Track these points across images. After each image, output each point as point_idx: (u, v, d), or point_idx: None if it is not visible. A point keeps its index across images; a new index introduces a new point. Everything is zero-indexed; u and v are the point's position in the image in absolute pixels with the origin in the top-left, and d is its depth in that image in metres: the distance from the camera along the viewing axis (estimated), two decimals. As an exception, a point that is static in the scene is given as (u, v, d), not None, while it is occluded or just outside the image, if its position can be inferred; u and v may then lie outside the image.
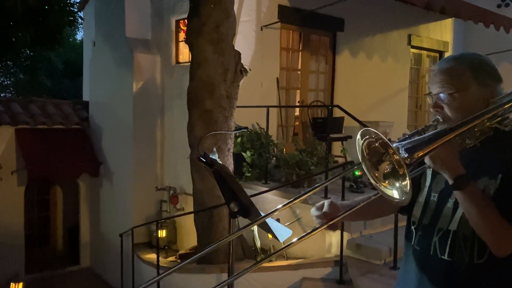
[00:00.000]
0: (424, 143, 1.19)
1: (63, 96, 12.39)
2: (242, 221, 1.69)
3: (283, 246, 1.44)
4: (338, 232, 4.23)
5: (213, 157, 1.69)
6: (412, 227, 1.50)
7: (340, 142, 6.48)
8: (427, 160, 1.26)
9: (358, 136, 1.23)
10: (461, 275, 1.35)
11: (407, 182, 1.14)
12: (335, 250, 4.39)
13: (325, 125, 6.22)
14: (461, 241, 1.34)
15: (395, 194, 1.18)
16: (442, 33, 9.19)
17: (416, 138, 1.23)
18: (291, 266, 4.35)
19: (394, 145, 1.19)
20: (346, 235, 4.22)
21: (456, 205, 1.34)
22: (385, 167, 1.20)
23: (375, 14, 7.57)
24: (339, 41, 7.47)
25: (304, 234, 1.36)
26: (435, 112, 1.41)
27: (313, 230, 1.37)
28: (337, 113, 5.83)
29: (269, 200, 5.13)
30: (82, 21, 9.27)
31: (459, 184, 1.24)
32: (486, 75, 1.38)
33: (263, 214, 1.53)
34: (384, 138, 1.19)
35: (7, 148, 7.52)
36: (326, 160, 4.96)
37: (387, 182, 1.20)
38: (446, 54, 9.35)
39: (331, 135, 5.95)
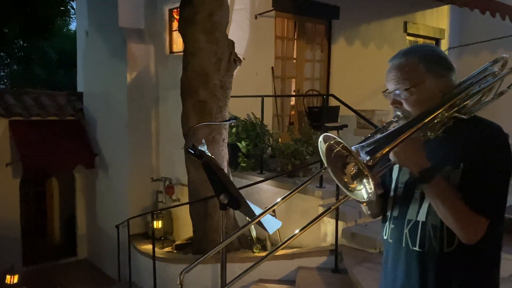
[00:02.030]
0: (384, 142, 1.21)
1: (57, 87, 12.31)
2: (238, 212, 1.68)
3: (292, 235, 1.45)
4: (333, 221, 4.23)
5: (202, 149, 1.67)
6: (386, 220, 1.52)
7: (336, 131, 6.46)
8: (391, 156, 1.28)
9: (320, 140, 1.25)
10: (433, 265, 1.38)
11: (371, 183, 1.16)
12: (330, 239, 4.39)
13: (321, 114, 6.20)
14: (430, 231, 1.37)
15: (364, 193, 1.20)
16: (438, 20, 9.13)
17: (376, 137, 1.24)
18: (286, 256, 4.36)
19: (354, 147, 1.21)
20: (341, 224, 4.22)
21: (422, 195, 1.37)
22: (351, 168, 1.22)
23: (370, 1, 7.50)
24: (334, 29, 7.41)
25: (311, 221, 1.39)
26: (395, 108, 1.42)
27: (317, 217, 1.39)
28: (333, 102, 5.79)
29: (265, 190, 5.13)
30: (75, 11, 9.13)
31: (424, 177, 1.27)
32: (439, 66, 1.39)
33: (252, 206, 1.52)
34: (343, 142, 1.20)
35: (1, 141, 7.47)
36: (321, 150, 4.94)
37: (355, 183, 1.21)
38: (443, 41, 9.30)
39: (327, 124, 5.93)
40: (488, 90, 1.38)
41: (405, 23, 8.45)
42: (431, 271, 1.38)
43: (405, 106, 1.39)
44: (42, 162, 7.51)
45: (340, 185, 1.23)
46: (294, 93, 7.27)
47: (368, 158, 1.17)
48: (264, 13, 6.34)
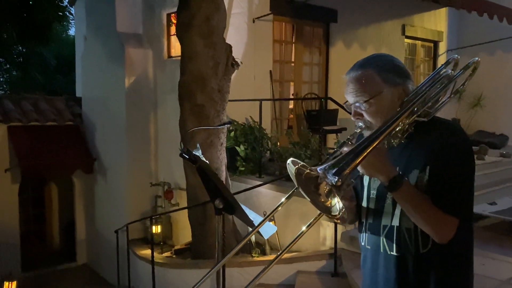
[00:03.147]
0: (350, 159, 1.23)
1: (56, 92, 12.30)
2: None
3: (294, 238, 1.47)
4: (332, 225, 4.22)
5: (197, 153, 1.66)
6: (363, 227, 1.54)
7: (334, 134, 6.45)
8: (359, 168, 1.30)
9: (289, 162, 1.30)
10: (410, 268, 1.41)
11: (339, 201, 1.21)
12: (329, 243, 4.37)
13: (319, 118, 6.19)
14: (405, 234, 1.40)
15: (337, 208, 1.24)
16: (436, 22, 9.14)
17: (340, 156, 1.27)
18: (285, 260, 4.33)
19: (320, 168, 1.23)
20: (340, 228, 4.20)
21: (395, 200, 1.39)
22: (324, 187, 1.25)
23: (368, 4, 7.51)
24: (332, 32, 7.41)
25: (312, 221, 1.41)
26: (356, 120, 1.46)
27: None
28: (332, 105, 5.79)
29: (263, 194, 5.11)
30: (73, 16, 9.15)
31: (393, 186, 1.31)
32: (394, 75, 1.42)
33: (247, 210, 1.51)
34: (308, 167, 1.25)
35: (0, 146, 7.47)
36: (319, 153, 4.94)
37: (329, 200, 1.25)
38: (441, 44, 9.31)
39: (325, 127, 5.92)
40: (444, 92, 1.43)
41: (403, 26, 8.46)
42: (410, 273, 1.41)
43: (366, 117, 1.43)
44: (41, 168, 7.50)
45: (316, 206, 1.27)
46: (292, 97, 7.26)
47: (336, 179, 1.19)
48: (261, 17, 6.35)
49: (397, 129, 1.37)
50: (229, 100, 5.01)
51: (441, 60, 9.25)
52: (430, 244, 1.37)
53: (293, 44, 7.17)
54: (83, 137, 8.31)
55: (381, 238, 1.45)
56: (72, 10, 9.65)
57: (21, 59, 14.49)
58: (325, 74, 7.51)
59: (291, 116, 7.38)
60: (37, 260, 8.08)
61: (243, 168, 5.50)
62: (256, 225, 1.62)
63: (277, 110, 6.90)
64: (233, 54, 4.91)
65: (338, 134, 6.40)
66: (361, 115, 1.44)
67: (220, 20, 4.74)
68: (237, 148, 5.54)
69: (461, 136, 1.38)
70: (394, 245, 1.42)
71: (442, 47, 9.34)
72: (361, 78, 1.42)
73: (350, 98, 1.46)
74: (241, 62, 5.13)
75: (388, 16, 8.08)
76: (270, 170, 5.55)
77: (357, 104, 1.44)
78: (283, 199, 1.55)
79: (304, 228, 1.42)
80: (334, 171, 1.20)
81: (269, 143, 5.81)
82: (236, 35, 6.06)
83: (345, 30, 7.47)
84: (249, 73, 6.22)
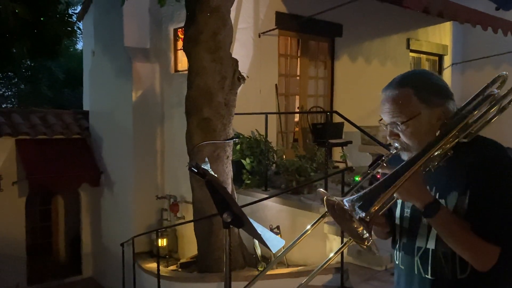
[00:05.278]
0: (376, 193, 1.18)
1: (64, 106, 12.43)
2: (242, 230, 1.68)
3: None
4: (338, 239, 4.21)
5: (205, 167, 1.68)
6: (396, 246, 1.49)
7: (340, 148, 6.46)
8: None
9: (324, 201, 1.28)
10: None
11: (368, 235, 1.20)
12: (336, 257, 4.34)
13: (325, 131, 6.21)
14: (441, 259, 1.33)
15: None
16: (441, 36, 9.18)
17: (368, 189, 1.21)
18: (291, 274, 4.32)
19: (347, 201, 1.19)
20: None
21: None
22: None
23: (373, 18, 7.57)
24: (337, 46, 7.47)
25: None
26: (393, 140, 1.38)
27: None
28: (337, 118, 5.81)
29: (269, 207, 5.11)
30: (81, 31, 9.30)
31: (429, 212, 1.24)
32: (433, 95, 1.34)
33: (254, 224, 1.52)
34: (333, 200, 1.23)
35: (8, 159, 7.54)
36: (325, 166, 4.94)
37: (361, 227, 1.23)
38: (446, 58, 9.34)
39: (331, 141, 5.93)
40: (488, 113, 1.34)
41: (408, 40, 8.51)
42: None
43: (403, 138, 1.36)
44: (48, 181, 7.55)
45: (349, 234, 1.27)
46: (298, 110, 7.29)
47: (363, 214, 1.16)
48: (267, 31, 6.42)
49: (436, 154, 1.29)
50: (235, 114, 5.05)
51: (446, 73, 9.27)
52: (469, 271, 1.28)
53: (299, 58, 7.23)
54: (90, 151, 8.37)
55: (415, 259, 1.38)
56: (80, 24, 9.81)
57: (30, 73, 14.68)
58: (330, 87, 7.55)
59: (297, 129, 7.41)
60: (43, 273, 8.08)
61: (249, 181, 5.51)
62: (263, 238, 1.63)
63: (282, 123, 6.93)
64: (239, 69, 4.97)
65: (344, 147, 6.41)
66: (398, 135, 1.36)
67: (227, 35, 4.80)
68: (243, 161, 5.56)
69: (505, 158, 1.27)
70: (429, 268, 1.35)
71: (447, 60, 9.37)
72: (398, 98, 1.34)
73: (386, 118, 1.38)
74: (247, 76, 5.18)
75: (392, 30, 8.13)
76: (276, 183, 5.56)
77: (393, 125, 1.36)
78: (308, 227, 1.56)
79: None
80: (360, 204, 1.16)
81: (275, 156, 5.82)
82: (242, 49, 6.13)
83: (350, 44, 7.53)
84: (255, 87, 6.28)
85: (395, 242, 1.49)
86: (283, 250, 1.40)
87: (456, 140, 1.30)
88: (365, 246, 1.25)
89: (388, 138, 1.40)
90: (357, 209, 1.16)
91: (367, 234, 1.19)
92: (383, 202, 1.20)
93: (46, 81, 14.75)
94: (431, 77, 1.38)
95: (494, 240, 1.23)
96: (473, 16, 6.30)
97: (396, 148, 1.37)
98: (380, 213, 1.25)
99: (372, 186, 1.21)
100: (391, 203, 1.36)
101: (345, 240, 4.11)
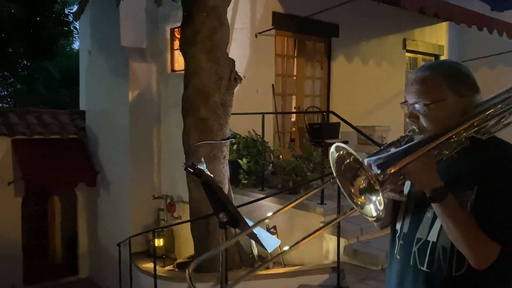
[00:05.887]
0: (397, 158, 1.18)
1: (60, 106, 12.40)
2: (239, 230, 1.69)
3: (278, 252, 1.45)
4: (334, 238, 4.22)
5: (201, 167, 1.69)
6: (396, 236, 1.48)
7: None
8: (403, 171, 1.24)
9: (332, 150, 1.22)
10: (440, 287, 1.33)
11: (380, 198, 1.14)
12: (332, 257, 4.36)
13: (321, 131, 6.22)
14: (440, 252, 1.33)
15: (372, 209, 1.18)
16: (437, 36, 9.22)
17: (389, 152, 1.21)
18: (288, 274, 4.33)
19: (367, 160, 1.18)
20: (343, 241, 4.20)
21: (435, 215, 1.32)
22: (361, 182, 1.19)
23: (369, 19, 7.59)
24: (334, 46, 7.49)
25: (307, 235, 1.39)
26: (411, 122, 1.38)
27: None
28: (334, 118, 5.83)
29: (266, 207, 5.12)
30: (78, 31, 9.28)
31: (436, 197, 1.24)
32: (463, 85, 1.34)
33: (250, 223, 1.53)
34: (355, 154, 1.18)
35: (4, 159, 7.52)
36: (322, 166, 4.96)
37: (363, 197, 1.19)
38: (442, 58, 9.37)
39: (327, 141, 5.94)
40: (510, 113, 1.34)
41: (404, 40, 8.54)
42: None
43: (422, 121, 1.35)
44: (44, 181, 7.54)
45: (348, 198, 1.21)
46: (294, 110, 7.31)
47: (379, 171, 1.14)
48: (264, 31, 6.43)
49: (452, 140, 1.30)
50: (232, 114, 5.06)
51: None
52: (465, 268, 1.28)
53: (295, 58, 7.24)
54: (86, 151, 8.36)
55: (413, 250, 1.39)
56: (77, 24, 9.78)
57: (26, 73, 14.63)
58: (327, 87, 7.57)
59: (293, 129, 7.42)
60: (39, 273, 8.07)
61: (245, 181, 5.52)
62: (259, 238, 1.64)
63: (279, 123, 6.94)
64: (236, 69, 4.97)
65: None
66: (417, 118, 1.36)
67: (224, 36, 4.80)
68: (239, 161, 5.57)
69: None
70: (426, 261, 1.35)
71: (443, 61, 9.39)
72: (428, 80, 1.34)
73: (411, 98, 1.37)
74: (244, 76, 5.19)
75: (389, 30, 8.16)
76: (272, 183, 5.57)
77: (416, 106, 1.35)
78: (283, 206, 1.51)
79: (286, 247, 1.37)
80: (379, 163, 1.14)
81: (272, 156, 5.83)
82: (239, 49, 6.13)
83: (347, 45, 7.55)
84: (252, 87, 6.28)
85: (395, 231, 1.49)
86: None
87: (475, 129, 1.30)
88: (359, 203, 1.22)
89: (407, 120, 1.39)
90: (374, 167, 1.16)
91: (374, 197, 1.16)
92: (400, 167, 1.18)
93: (42, 81, 14.71)
94: (465, 68, 1.39)
95: (496, 237, 1.23)
96: (469, 17, 6.33)
97: (413, 130, 1.36)
98: (394, 182, 1.22)
99: (393, 151, 1.21)
100: (402, 181, 1.35)
101: (342, 240, 4.13)
